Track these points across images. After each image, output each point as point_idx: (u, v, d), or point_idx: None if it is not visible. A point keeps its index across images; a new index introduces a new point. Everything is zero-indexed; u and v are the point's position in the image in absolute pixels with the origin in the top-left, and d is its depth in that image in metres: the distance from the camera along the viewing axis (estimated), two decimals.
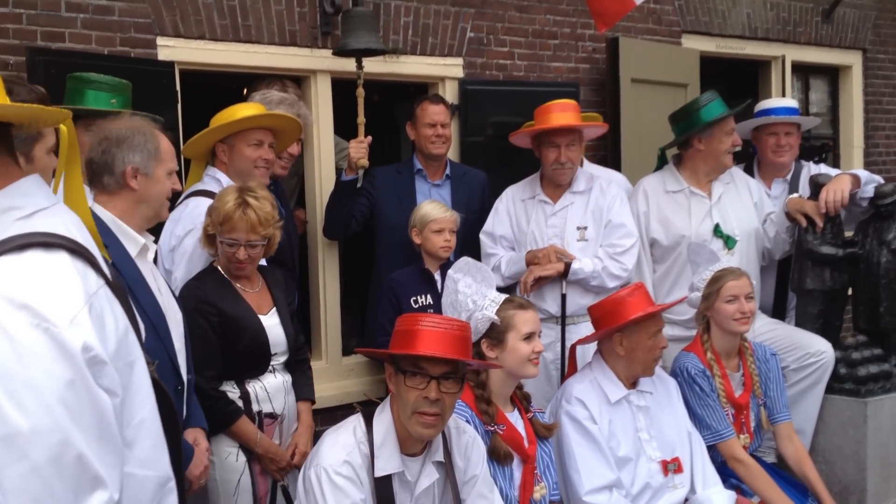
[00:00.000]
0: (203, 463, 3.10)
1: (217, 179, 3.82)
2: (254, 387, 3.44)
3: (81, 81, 3.64)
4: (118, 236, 2.85)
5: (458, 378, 2.83)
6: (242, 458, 3.39)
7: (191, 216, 3.63)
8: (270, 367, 3.49)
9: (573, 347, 3.97)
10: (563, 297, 4.42)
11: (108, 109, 3.56)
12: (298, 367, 3.69)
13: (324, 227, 4.95)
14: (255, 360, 3.45)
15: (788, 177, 5.12)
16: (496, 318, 3.32)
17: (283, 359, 3.54)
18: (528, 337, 3.33)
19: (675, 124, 4.83)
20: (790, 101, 5.33)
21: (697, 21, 6.54)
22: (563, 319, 4.42)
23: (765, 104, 5.28)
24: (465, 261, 3.48)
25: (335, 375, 5.09)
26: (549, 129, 4.45)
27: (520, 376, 3.38)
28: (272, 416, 3.46)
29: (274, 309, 3.55)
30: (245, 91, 5.17)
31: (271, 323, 3.51)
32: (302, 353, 3.74)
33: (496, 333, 3.34)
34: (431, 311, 4.27)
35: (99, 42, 4.34)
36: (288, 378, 3.57)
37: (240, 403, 3.40)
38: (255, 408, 3.42)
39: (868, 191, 4.64)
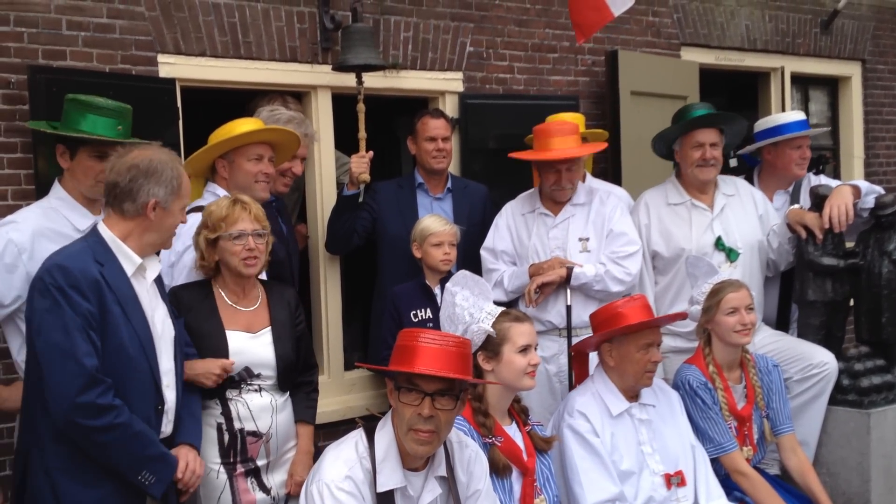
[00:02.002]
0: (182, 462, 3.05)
1: (216, 195, 3.82)
2: (236, 405, 3.41)
3: (84, 105, 3.56)
4: (116, 255, 2.95)
5: (453, 395, 2.82)
6: (224, 475, 3.37)
7: (189, 232, 3.63)
8: (256, 386, 3.46)
9: (579, 355, 3.96)
10: (569, 308, 4.40)
11: (116, 139, 3.53)
12: (301, 389, 3.66)
13: (326, 241, 4.96)
14: None
15: (790, 189, 5.12)
16: (491, 330, 3.33)
17: (270, 380, 3.49)
18: (524, 349, 3.33)
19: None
20: (801, 115, 5.35)
21: (696, 33, 6.56)
22: (568, 331, 4.41)
23: (781, 118, 5.24)
24: (463, 274, 3.49)
25: (337, 390, 5.08)
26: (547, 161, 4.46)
27: (516, 389, 3.38)
28: (255, 434, 3.42)
29: (268, 328, 3.52)
30: (246, 107, 5.19)
31: (257, 342, 3.48)
32: (307, 376, 3.71)
33: (492, 346, 3.34)
34: (431, 325, 4.28)
35: (100, 60, 4.36)
36: (279, 398, 3.52)
37: (221, 420, 3.39)
38: (236, 425, 3.39)
39: (868, 201, 4.64)
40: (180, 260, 3.62)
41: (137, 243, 2.99)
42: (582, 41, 5.39)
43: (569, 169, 4.45)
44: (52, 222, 3.44)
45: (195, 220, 3.63)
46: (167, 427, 3.09)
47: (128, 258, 2.97)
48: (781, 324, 4.98)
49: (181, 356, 3.19)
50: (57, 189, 3.58)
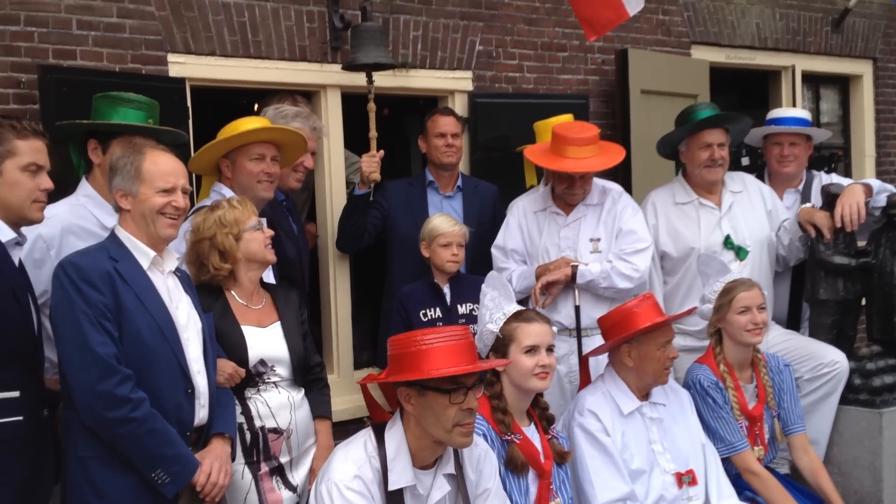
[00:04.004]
0: (204, 472, 3.03)
1: (222, 195, 3.80)
2: (255, 403, 3.43)
3: (115, 99, 3.68)
4: (131, 251, 3.07)
5: (481, 381, 2.91)
6: (249, 474, 3.37)
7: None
8: (273, 383, 3.48)
9: (585, 359, 3.96)
10: (577, 308, 4.39)
11: (147, 126, 3.64)
12: (314, 386, 3.67)
13: (337, 240, 4.97)
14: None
15: (800, 187, 5.10)
16: (497, 331, 3.35)
17: (285, 373, 3.51)
18: (531, 350, 3.32)
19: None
20: (799, 112, 5.31)
21: (707, 32, 6.54)
22: (578, 332, 4.39)
23: (774, 113, 5.27)
24: (493, 275, 3.55)
25: (347, 389, 5.08)
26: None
27: (526, 389, 3.37)
28: (276, 430, 3.44)
29: (277, 323, 3.56)
30: (256, 106, 5.20)
31: (269, 336, 3.51)
32: (316, 373, 3.72)
33: (500, 347, 3.36)
34: (441, 324, 4.27)
35: (110, 59, 4.38)
36: (296, 395, 3.54)
37: (241, 420, 3.39)
38: (257, 423, 3.41)
39: (880, 200, 4.62)
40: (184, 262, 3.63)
41: (143, 237, 3.09)
42: (593, 39, 5.33)
43: (582, 177, 4.42)
44: (81, 219, 3.50)
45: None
46: (202, 412, 3.13)
47: (142, 252, 3.07)
48: (792, 322, 4.96)
49: (213, 346, 3.24)
50: (84, 186, 3.64)
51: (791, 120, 5.11)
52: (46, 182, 3.06)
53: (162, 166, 3.10)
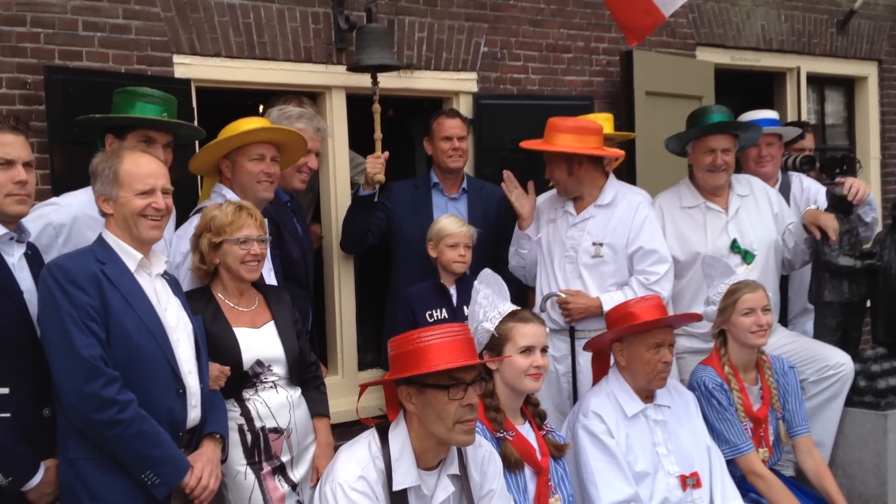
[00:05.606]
0: (195, 475, 3.05)
1: (223, 195, 3.81)
2: (254, 404, 3.43)
3: (133, 94, 3.72)
4: (118, 253, 3.08)
5: (482, 378, 2.90)
6: (252, 475, 3.38)
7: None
8: (271, 383, 3.48)
9: (597, 355, 3.94)
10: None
11: (160, 119, 3.68)
12: (310, 384, 3.68)
13: (341, 241, 4.97)
14: (231, 377, 3.44)
15: (776, 187, 5.12)
16: (493, 330, 3.35)
17: (282, 373, 3.52)
18: (526, 350, 3.32)
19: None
20: (770, 112, 5.38)
21: (712, 33, 6.53)
22: (571, 335, 4.41)
23: (748, 116, 5.29)
24: (486, 272, 3.53)
25: (351, 390, 5.08)
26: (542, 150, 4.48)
27: (518, 390, 3.36)
28: (276, 430, 3.45)
29: (271, 322, 3.56)
30: (261, 107, 5.21)
31: (264, 336, 3.51)
32: (312, 371, 3.73)
33: (495, 345, 3.36)
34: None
35: (116, 60, 4.38)
36: (293, 393, 3.55)
37: (241, 421, 3.40)
38: (257, 424, 3.41)
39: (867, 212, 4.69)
40: (185, 261, 3.64)
41: (129, 240, 3.10)
42: (635, 44, 5.46)
43: (558, 165, 4.43)
44: (94, 209, 3.49)
45: (195, 222, 3.63)
46: (193, 413, 3.13)
47: (129, 255, 3.08)
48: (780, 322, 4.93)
49: (204, 346, 3.24)
50: None
51: (767, 121, 5.15)
52: (20, 175, 3.01)
53: (141, 168, 3.10)
